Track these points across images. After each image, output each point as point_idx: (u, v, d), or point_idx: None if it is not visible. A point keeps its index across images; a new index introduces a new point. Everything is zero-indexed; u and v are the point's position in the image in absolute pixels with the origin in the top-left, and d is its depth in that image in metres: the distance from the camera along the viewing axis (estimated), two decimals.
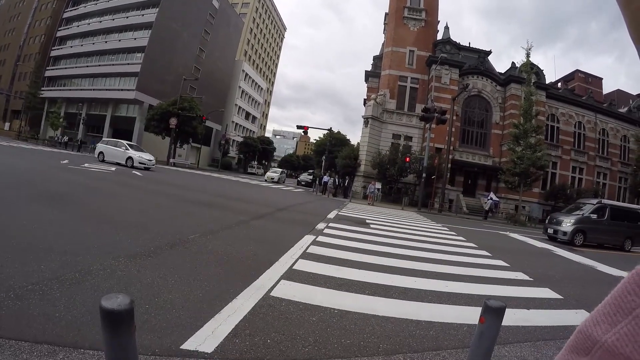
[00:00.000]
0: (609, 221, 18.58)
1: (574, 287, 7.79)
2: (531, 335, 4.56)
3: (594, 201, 20.11)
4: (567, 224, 18.29)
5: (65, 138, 48.56)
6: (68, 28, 66.44)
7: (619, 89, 70.35)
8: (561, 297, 6.65)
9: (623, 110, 49.59)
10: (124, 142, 28.88)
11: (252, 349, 3.12)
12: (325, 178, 35.42)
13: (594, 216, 18.54)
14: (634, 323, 0.33)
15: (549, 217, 20.63)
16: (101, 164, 25.10)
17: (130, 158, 26.85)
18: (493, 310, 2.31)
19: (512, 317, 5.07)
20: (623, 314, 0.34)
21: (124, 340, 1.49)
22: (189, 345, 2.99)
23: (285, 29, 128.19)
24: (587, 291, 7.60)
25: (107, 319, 1.44)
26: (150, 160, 27.70)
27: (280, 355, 3.10)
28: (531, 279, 7.83)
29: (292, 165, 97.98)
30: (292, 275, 5.54)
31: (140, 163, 26.79)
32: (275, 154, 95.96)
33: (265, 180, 43.22)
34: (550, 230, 19.12)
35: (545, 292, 6.85)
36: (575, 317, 5.63)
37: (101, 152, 28.39)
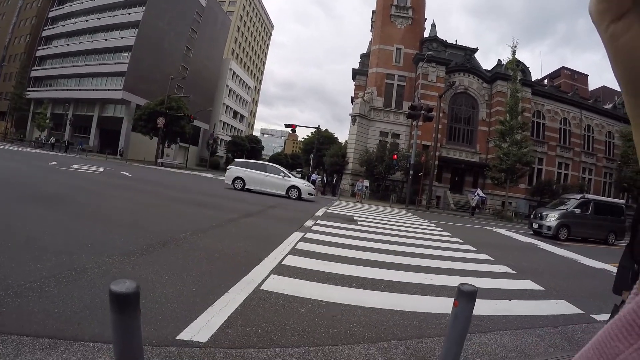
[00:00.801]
0: (592, 215, 18.89)
1: (556, 279, 8.08)
2: (511, 324, 4.78)
3: (578, 196, 20.38)
4: (552, 218, 18.55)
5: (52, 139, 48.06)
6: (54, 27, 65.52)
7: (604, 86, 71.13)
8: (543, 288, 6.92)
9: (608, 106, 50.22)
10: (276, 165, 23.67)
11: (244, 338, 3.30)
12: (314, 176, 35.54)
13: (578, 211, 18.82)
14: None
15: (533, 212, 20.90)
16: (89, 164, 24.82)
17: (294, 188, 21.63)
18: (466, 294, 2.53)
19: (494, 307, 5.32)
20: (606, 359, 0.34)
21: (131, 321, 1.67)
22: (184, 335, 3.17)
23: (272, 26, 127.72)
24: (568, 283, 7.89)
25: (115, 301, 1.62)
26: (312, 188, 23.64)
27: (270, 343, 3.29)
28: (514, 272, 8.10)
29: (281, 164, 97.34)
30: (281, 270, 5.72)
31: (309, 194, 22.18)
32: (263, 152, 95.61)
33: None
34: (535, 225, 19.40)
35: (528, 284, 7.11)
36: (555, 307, 5.86)
37: (239, 179, 21.90)
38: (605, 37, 0.40)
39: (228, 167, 23.27)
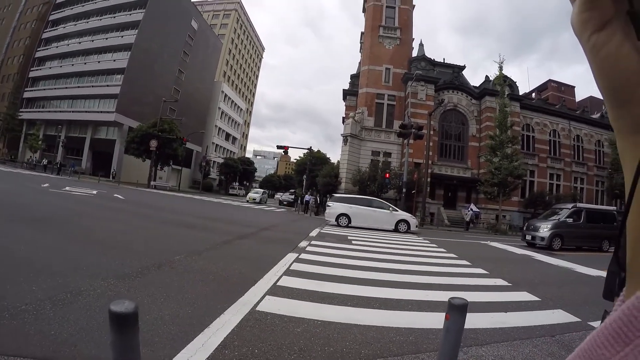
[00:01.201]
0: (585, 224, 18.96)
1: (552, 289, 8.15)
2: (508, 335, 4.82)
3: (570, 205, 20.48)
4: (544, 229, 18.57)
5: (45, 161, 47.85)
6: (47, 49, 65.72)
7: (591, 96, 71.84)
8: (539, 299, 6.97)
9: (596, 116, 50.97)
10: (380, 200, 23.20)
11: (241, 359, 3.34)
12: (307, 197, 35.54)
13: (570, 220, 18.87)
14: None
15: (526, 224, 20.96)
16: (82, 186, 24.75)
17: (403, 221, 20.99)
18: (457, 307, 2.63)
19: (490, 320, 5.36)
20: None
21: (130, 340, 1.76)
22: (181, 357, 3.19)
23: (263, 49, 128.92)
24: (564, 292, 7.95)
25: (115, 321, 1.71)
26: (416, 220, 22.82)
27: None
28: (510, 284, 8.15)
29: (274, 185, 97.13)
30: (276, 291, 5.74)
31: (416, 227, 21.69)
32: (256, 174, 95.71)
33: (247, 201, 43.05)
34: (528, 237, 19.45)
35: (523, 296, 7.16)
36: (552, 317, 5.91)
37: (344, 215, 20.86)
38: (587, 47, 0.40)
39: (328, 204, 22.66)
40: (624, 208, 0.37)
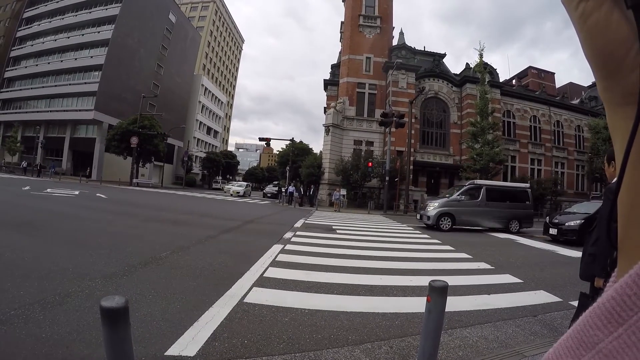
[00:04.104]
0: (484, 202, 17.88)
1: (534, 271, 8.39)
2: (491, 317, 4.97)
3: (467, 183, 19.76)
4: (431, 207, 17.72)
5: (24, 163, 46.96)
6: (22, 47, 64.25)
7: (571, 82, 73.02)
8: (521, 280, 7.19)
9: (575, 101, 51.88)
10: None
11: (231, 350, 3.41)
12: (291, 188, 35.53)
13: (463, 198, 18.04)
14: (597, 358, 0.33)
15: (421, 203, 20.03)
16: (64, 187, 24.41)
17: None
18: (437, 290, 2.73)
19: (474, 302, 5.52)
20: (586, 348, 0.34)
21: (121, 334, 1.79)
22: (173, 351, 3.25)
23: (243, 40, 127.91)
24: (546, 273, 8.22)
25: (106, 316, 1.74)
26: None
27: (257, 353, 3.40)
28: (493, 267, 8.37)
29: (257, 178, 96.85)
30: (263, 282, 5.81)
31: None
32: (239, 167, 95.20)
33: (231, 195, 42.83)
34: (418, 216, 19.08)
35: (506, 278, 7.36)
36: (534, 297, 6.10)
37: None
38: (575, 16, 0.39)
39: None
40: (615, 184, 0.36)
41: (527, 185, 20.87)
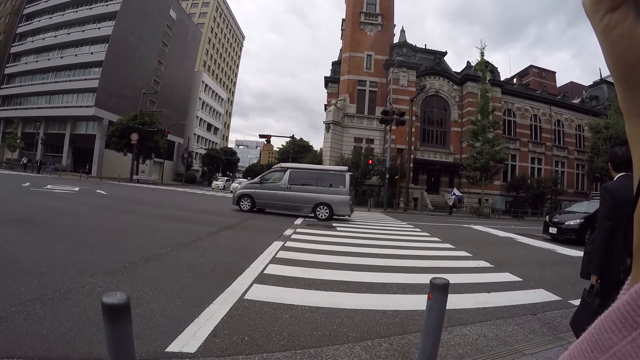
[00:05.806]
0: (286, 185, 17.34)
1: (533, 269, 8.39)
2: (491, 315, 4.98)
3: (275, 165, 19.57)
4: (237, 189, 18.42)
5: (25, 159, 46.87)
6: (22, 44, 64.02)
7: (572, 81, 72.70)
8: (521, 279, 7.18)
9: (576, 101, 51.80)
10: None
11: (232, 346, 3.40)
12: None
13: (266, 181, 17.96)
14: None
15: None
16: (64, 184, 24.34)
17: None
18: (438, 287, 2.73)
19: (474, 300, 5.51)
20: (600, 351, 0.34)
21: (123, 331, 1.78)
22: (173, 347, 3.25)
23: (243, 37, 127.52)
24: (545, 272, 8.20)
25: (108, 313, 1.73)
26: None
27: (258, 349, 3.40)
28: (492, 266, 8.37)
29: (257, 174, 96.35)
30: (263, 279, 5.80)
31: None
32: (239, 164, 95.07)
33: (231, 192, 42.75)
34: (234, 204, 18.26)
35: (506, 276, 7.35)
36: (534, 296, 6.10)
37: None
38: (599, 28, 0.39)
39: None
40: (634, 196, 0.36)
41: (345, 168, 19.36)
